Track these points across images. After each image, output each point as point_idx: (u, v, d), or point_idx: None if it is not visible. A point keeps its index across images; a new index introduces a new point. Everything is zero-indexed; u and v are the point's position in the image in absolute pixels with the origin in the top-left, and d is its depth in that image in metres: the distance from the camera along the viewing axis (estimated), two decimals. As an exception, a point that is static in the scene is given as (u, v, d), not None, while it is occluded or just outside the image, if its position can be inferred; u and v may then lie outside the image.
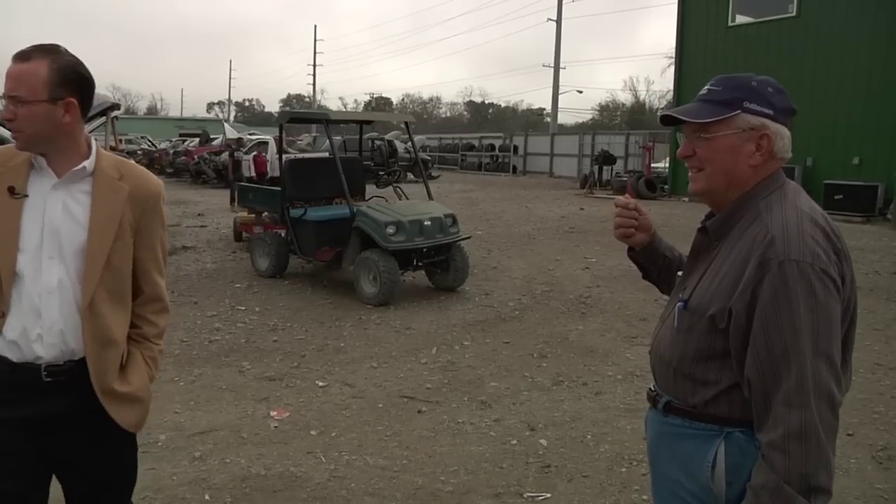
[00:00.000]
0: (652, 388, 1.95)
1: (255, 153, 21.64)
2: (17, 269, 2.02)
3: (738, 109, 1.71)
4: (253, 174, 20.52)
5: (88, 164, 2.10)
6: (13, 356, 2.04)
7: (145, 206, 2.19)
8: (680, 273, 1.98)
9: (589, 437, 4.67)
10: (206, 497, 3.82)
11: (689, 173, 1.83)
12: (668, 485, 1.87)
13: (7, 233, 2.01)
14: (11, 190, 2.03)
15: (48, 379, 2.06)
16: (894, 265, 10.84)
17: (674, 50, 25.23)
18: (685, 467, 1.79)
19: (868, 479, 4.09)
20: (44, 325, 2.04)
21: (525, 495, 3.90)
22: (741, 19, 22.46)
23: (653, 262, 2.20)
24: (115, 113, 12.94)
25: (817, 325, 1.55)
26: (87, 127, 12.71)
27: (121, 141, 25.07)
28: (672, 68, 25.74)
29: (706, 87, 1.79)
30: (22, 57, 1.98)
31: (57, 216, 2.05)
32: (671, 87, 25.87)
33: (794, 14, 20.52)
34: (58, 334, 2.06)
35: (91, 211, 2.08)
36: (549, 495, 3.90)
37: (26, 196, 2.04)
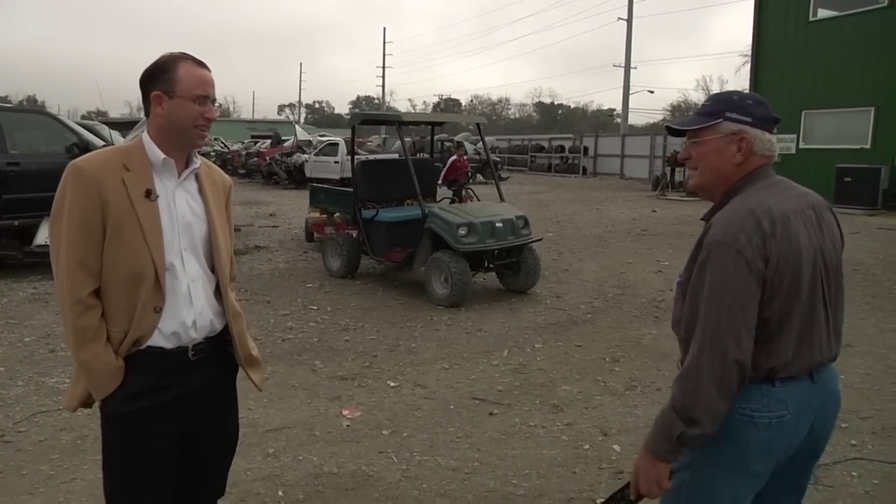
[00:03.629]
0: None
1: (453, 156, 17.56)
2: (167, 263, 2.20)
3: (720, 118, 2.11)
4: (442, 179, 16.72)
5: (198, 162, 2.35)
6: (170, 345, 2.23)
7: (229, 196, 2.52)
8: None
9: (664, 443, 4.56)
10: (280, 493, 3.86)
11: (688, 172, 2.26)
12: None
13: (154, 234, 2.17)
14: (149, 193, 2.18)
15: (194, 357, 2.28)
16: None
17: (749, 48, 24.60)
18: None
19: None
20: (196, 312, 2.27)
21: (598, 501, 3.82)
22: (823, 13, 21.73)
23: None
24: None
25: (722, 294, 1.93)
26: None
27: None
28: (747, 67, 25.11)
29: (702, 104, 2.23)
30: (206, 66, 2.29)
31: (186, 213, 2.27)
32: (746, 86, 25.23)
33: (884, 4, 19.67)
34: (207, 318, 2.31)
35: (207, 205, 2.34)
36: (623, 502, 3.82)
37: (158, 196, 2.21)
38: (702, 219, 2.20)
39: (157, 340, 2.20)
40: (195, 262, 2.29)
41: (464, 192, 15.74)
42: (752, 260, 1.93)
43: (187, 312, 2.25)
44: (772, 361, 2.00)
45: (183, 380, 2.26)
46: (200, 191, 2.35)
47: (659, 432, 1.99)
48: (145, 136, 2.25)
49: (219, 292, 2.37)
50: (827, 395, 2.14)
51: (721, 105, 2.12)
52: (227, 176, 2.56)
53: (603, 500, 2.28)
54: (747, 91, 2.12)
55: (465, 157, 17.74)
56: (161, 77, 2.20)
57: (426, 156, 13.94)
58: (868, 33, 19.89)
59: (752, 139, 2.08)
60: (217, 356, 2.37)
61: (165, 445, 2.26)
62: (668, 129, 2.29)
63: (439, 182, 15.69)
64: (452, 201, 15.72)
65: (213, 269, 2.37)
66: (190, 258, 2.27)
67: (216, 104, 2.29)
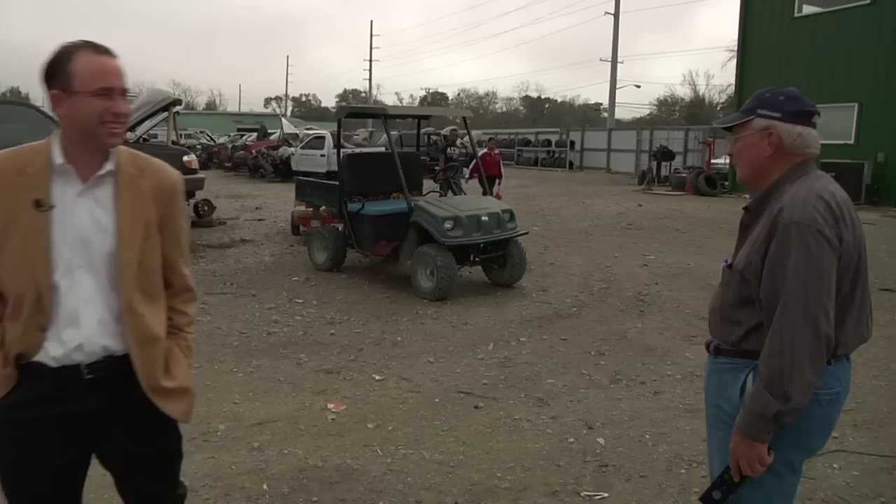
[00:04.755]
0: (708, 338, 2.43)
1: (484, 150, 15.45)
2: (52, 282, 1.98)
3: (752, 115, 2.25)
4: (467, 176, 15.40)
5: (111, 165, 2.05)
6: (55, 364, 2.02)
7: (168, 201, 2.16)
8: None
9: (647, 436, 4.59)
10: (265, 487, 3.86)
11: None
12: (713, 410, 2.36)
13: (38, 249, 1.96)
14: (38, 203, 1.96)
15: (89, 376, 2.05)
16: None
17: (735, 43, 24.71)
18: (723, 393, 2.28)
19: None
20: (84, 335, 2.03)
21: (582, 494, 3.85)
22: (808, 9, 21.83)
23: None
24: (177, 108, 13.22)
25: (809, 272, 1.99)
26: (150, 122, 13.11)
27: (181, 136, 25.65)
28: (734, 62, 25.20)
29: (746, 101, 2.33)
30: (110, 52, 2.03)
31: (85, 226, 2.01)
32: (732, 81, 25.35)
33: (868, 2, 19.82)
34: (97, 343, 2.05)
35: (118, 216, 2.04)
36: (606, 495, 3.84)
37: (52, 207, 1.97)
38: (745, 208, 2.33)
39: (42, 357, 2.02)
40: (90, 280, 2.03)
41: (496, 188, 14.70)
42: (831, 238, 2.02)
43: (72, 335, 2.02)
44: (838, 339, 2.10)
45: (76, 397, 2.04)
46: (116, 197, 2.05)
47: (753, 415, 2.05)
48: (53, 137, 2.03)
49: (127, 312, 2.07)
50: (849, 379, 2.29)
51: (755, 102, 2.26)
52: (172, 174, 2.21)
53: (702, 491, 2.35)
54: (777, 89, 2.31)
55: (496, 152, 16.17)
56: (57, 73, 1.97)
57: (438, 148, 13.73)
58: (852, 30, 20.02)
59: (780, 133, 2.19)
60: (124, 378, 2.10)
61: (54, 462, 2.07)
62: (713, 127, 2.42)
63: (465, 179, 14.87)
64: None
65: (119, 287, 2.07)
66: (84, 276, 2.01)
67: (128, 95, 2.03)
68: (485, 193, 10.07)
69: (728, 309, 2.26)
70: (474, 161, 14.78)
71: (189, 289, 2.29)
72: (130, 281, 2.05)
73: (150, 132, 15.94)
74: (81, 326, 2.02)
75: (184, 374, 2.20)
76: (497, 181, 15.36)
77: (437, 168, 14.33)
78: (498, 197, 14.73)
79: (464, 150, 16.89)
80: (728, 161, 24.61)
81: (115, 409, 2.12)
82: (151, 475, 2.29)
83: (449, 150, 15.41)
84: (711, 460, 2.40)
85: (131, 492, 2.31)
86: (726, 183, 23.44)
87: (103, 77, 1.96)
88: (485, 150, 15.48)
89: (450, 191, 12.35)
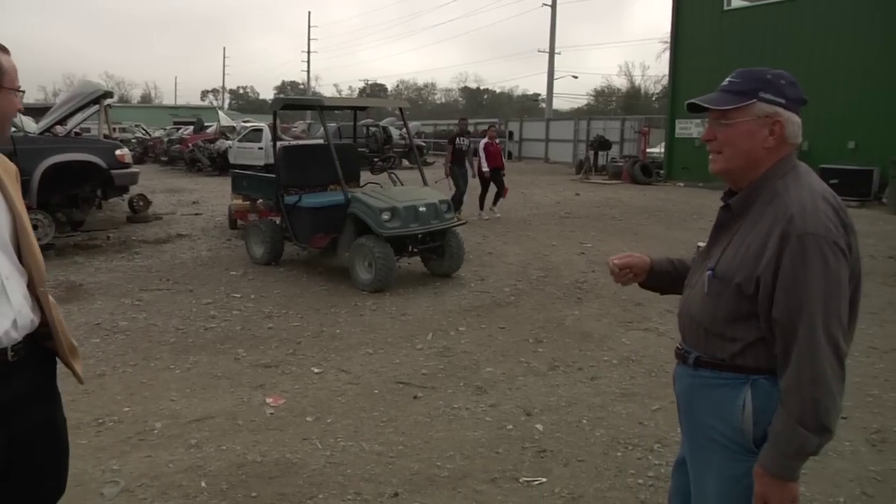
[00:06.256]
0: (680, 346, 2.20)
1: (485, 140, 14.57)
2: None
3: (753, 98, 1.96)
4: (480, 169, 14.36)
5: None
6: None
7: (19, 184, 2.28)
8: (701, 245, 2.22)
9: (584, 421, 4.68)
10: (203, 484, 3.82)
11: (710, 155, 2.07)
12: (702, 430, 2.10)
13: None
14: None
15: (14, 359, 2.09)
16: (890, 249, 10.87)
17: (669, 35, 25.15)
18: (718, 412, 2.02)
19: (862, 462, 4.11)
20: (15, 310, 2.09)
21: (521, 480, 3.90)
22: (737, 3, 22.39)
23: (662, 283, 2.47)
24: (109, 101, 12.91)
25: (829, 289, 1.81)
26: (81, 115, 12.77)
27: (115, 129, 25.02)
28: (668, 53, 25.65)
29: (727, 79, 2.04)
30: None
31: None
32: (667, 71, 25.79)
33: (791, -4, 20.39)
34: (27, 316, 2.13)
35: (7, 196, 2.14)
36: (544, 480, 3.90)
37: None
38: (724, 200, 2.11)
39: None
40: (5, 258, 2.10)
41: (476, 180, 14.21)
42: (844, 249, 1.86)
43: (6, 311, 2.07)
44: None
45: (2, 385, 2.08)
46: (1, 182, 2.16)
47: (789, 455, 1.84)
48: None
49: (32, 286, 2.19)
50: None
51: (754, 83, 1.98)
52: (11, 163, 2.31)
53: None
54: (773, 70, 2.01)
55: (497, 141, 15.06)
56: None
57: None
58: (777, 24, 20.60)
59: (785, 122, 1.96)
60: (35, 355, 2.21)
61: None
62: (691, 105, 2.08)
63: (485, 170, 14.09)
64: (497, 196, 14.40)
65: (22, 262, 2.18)
66: (0, 256, 2.09)
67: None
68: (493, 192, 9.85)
69: (720, 325, 2.00)
70: (477, 153, 14.40)
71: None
72: (36, 253, 2.18)
73: (83, 126, 15.50)
74: (12, 302, 2.09)
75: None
76: (502, 173, 14.53)
77: (376, 159, 14.11)
78: (506, 190, 14.54)
79: (402, 141, 16.31)
80: (661, 149, 25.15)
81: (37, 387, 2.22)
82: (50, 457, 2.33)
83: (458, 140, 14.18)
84: (701, 482, 2.14)
85: (23, 478, 2.26)
86: (661, 171, 23.91)
87: (17, 76, 2.08)
88: (486, 140, 14.53)
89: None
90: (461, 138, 14.28)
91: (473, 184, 14.46)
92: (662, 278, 2.45)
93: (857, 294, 1.99)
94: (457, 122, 18.68)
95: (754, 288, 1.91)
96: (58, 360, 2.33)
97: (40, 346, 2.24)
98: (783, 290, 1.85)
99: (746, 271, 1.92)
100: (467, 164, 14.28)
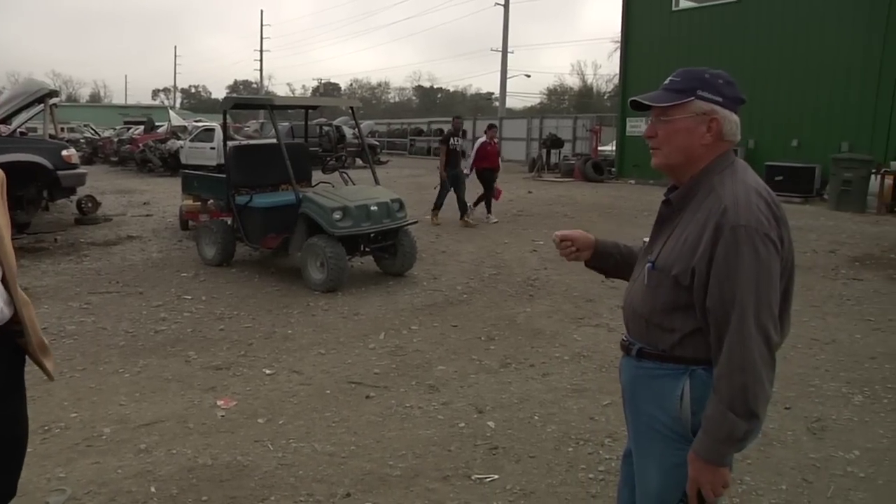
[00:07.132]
0: (625, 338, 2.26)
1: (482, 139, 14.36)
2: None
3: (692, 97, 2.03)
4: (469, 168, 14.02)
5: None
6: None
7: (2, 187, 2.41)
8: (646, 240, 2.26)
9: (536, 418, 4.73)
10: (152, 489, 3.77)
11: (651, 150, 2.15)
12: (644, 419, 2.17)
13: None
14: None
15: None
16: (831, 244, 11.14)
17: (620, 34, 25.44)
18: (659, 402, 2.09)
19: (803, 450, 4.23)
20: None
21: (473, 477, 3.93)
22: (685, 4, 22.73)
23: (607, 264, 2.55)
24: (55, 100, 12.66)
25: (760, 279, 1.87)
26: (25, 115, 12.50)
27: (63, 129, 24.51)
28: (619, 52, 25.94)
29: (669, 78, 2.11)
30: None
31: None
32: (618, 70, 26.08)
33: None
34: (3, 309, 2.22)
35: None
36: (496, 476, 3.94)
37: None
38: (665, 195, 2.16)
39: None
40: None
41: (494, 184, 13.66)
42: (776, 241, 1.92)
43: None
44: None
45: None
46: None
47: (719, 440, 1.90)
48: None
49: (4, 282, 2.29)
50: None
51: (693, 82, 2.05)
52: None
53: None
54: (710, 69, 2.08)
55: (495, 140, 14.59)
56: None
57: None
58: (724, 24, 20.99)
59: (722, 120, 2.03)
60: (5, 350, 2.29)
61: None
62: (634, 103, 2.16)
63: (467, 172, 13.62)
64: (489, 197, 13.74)
65: None
66: None
67: None
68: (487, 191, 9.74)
69: (659, 315, 2.07)
70: (474, 153, 13.97)
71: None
72: (9, 251, 2.29)
73: (29, 126, 15.17)
74: None
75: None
76: (495, 174, 13.93)
77: (328, 158, 13.98)
78: (498, 193, 13.95)
79: (355, 140, 15.92)
80: (613, 147, 25.46)
81: (2, 383, 2.30)
82: (5, 456, 2.38)
83: (452, 140, 13.70)
84: (644, 471, 2.21)
85: None
86: (613, 169, 24.18)
87: None
88: (484, 139, 14.19)
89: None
90: (455, 139, 13.83)
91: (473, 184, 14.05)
92: (606, 259, 2.53)
93: (790, 285, 2.06)
94: (449, 120, 17.99)
95: (690, 279, 1.97)
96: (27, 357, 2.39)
97: (11, 343, 2.30)
98: (716, 279, 1.91)
99: (683, 263, 1.98)
100: (462, 165, 13.82)
